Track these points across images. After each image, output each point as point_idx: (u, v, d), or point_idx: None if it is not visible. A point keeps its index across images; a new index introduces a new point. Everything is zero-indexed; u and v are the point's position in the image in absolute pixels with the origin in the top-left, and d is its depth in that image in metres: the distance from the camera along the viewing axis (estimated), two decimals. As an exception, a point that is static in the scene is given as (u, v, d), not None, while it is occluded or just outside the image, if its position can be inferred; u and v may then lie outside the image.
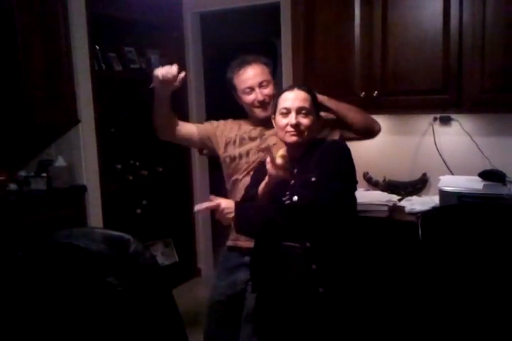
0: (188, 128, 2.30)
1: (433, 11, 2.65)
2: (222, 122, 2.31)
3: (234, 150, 2.20)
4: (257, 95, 2.13)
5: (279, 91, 1.97)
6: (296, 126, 1.77)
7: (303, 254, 1.70)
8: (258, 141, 2.18)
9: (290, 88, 1.87)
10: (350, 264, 1.76)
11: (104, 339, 1.33)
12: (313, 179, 1.73)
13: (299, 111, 1.80)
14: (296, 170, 1.82)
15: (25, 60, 2.89)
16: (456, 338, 1.86)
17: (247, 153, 2.17)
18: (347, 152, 1.81)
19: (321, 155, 1.77)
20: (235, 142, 2.21)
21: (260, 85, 2.13)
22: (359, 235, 1.84)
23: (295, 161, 1.83)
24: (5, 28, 2.86)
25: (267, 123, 2.10)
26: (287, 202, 1.76)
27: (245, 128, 2.25)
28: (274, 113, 1.88)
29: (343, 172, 1.75)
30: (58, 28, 3.06)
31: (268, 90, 2.14)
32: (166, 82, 1.99)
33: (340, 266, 1.74)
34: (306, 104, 1.81)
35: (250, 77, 2.14)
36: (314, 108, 1.85)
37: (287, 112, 1.80)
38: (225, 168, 2.26)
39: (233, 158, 2.19)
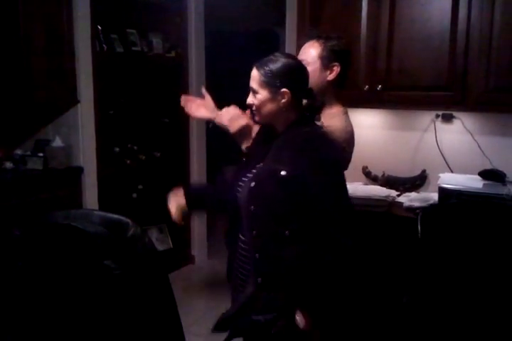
0: None
1: (441, 8, 2.63)
2: None
3: None
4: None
5: None
6: (249, 107, 1.77)
7: None
8: None
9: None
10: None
11: (99, 322, 1.32)
12: (282, 173, 1.60)
13: (251, 91, 1.75)
14: (264, 152, 1.74)
15: (26, 37, 2.86)
16: (453, 335, 1.87)
17: None
18: (325, 141, 1.71)
19: (297, 148, 1.66)
20: None
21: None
22: (358, 229, 1.83)
23: (267, 142, 1.77)
24: (6, 5, 2.81)
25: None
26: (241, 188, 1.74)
27: None
28: None
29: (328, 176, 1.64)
30: (61, 7, 3.02)
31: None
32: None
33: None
34: (254, 84, 1.72)
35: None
36: (266, 84, 1.69)
37: None
38: None
39: None
